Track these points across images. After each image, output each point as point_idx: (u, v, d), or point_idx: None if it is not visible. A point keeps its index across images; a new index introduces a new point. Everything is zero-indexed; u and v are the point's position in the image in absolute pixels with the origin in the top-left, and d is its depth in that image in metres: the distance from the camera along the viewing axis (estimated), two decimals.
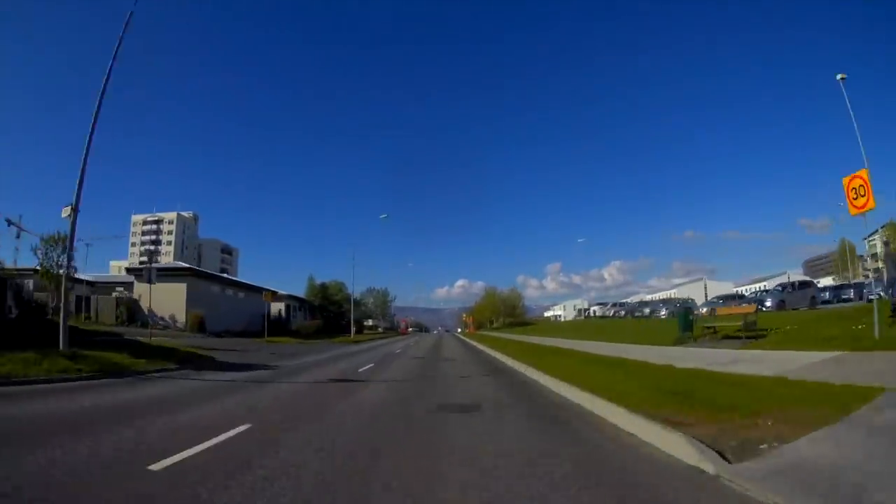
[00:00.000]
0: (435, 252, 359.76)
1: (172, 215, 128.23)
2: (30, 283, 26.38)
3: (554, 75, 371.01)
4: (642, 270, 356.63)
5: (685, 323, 14.47)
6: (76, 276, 33.55)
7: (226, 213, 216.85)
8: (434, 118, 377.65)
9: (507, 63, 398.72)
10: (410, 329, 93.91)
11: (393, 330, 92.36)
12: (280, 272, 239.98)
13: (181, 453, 3.87)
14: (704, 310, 32.38)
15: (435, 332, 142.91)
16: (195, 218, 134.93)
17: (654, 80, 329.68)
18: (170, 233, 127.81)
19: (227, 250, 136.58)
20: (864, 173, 9.05)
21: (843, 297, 30.76)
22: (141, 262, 78.59)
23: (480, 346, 24.21)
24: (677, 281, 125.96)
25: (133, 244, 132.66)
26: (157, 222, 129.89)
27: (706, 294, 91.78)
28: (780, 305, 24.31)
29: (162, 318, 32.25)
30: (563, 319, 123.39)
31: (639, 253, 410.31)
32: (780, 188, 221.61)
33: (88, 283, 39.48)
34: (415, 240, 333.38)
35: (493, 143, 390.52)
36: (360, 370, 12.49)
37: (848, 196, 9.20)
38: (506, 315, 75.05)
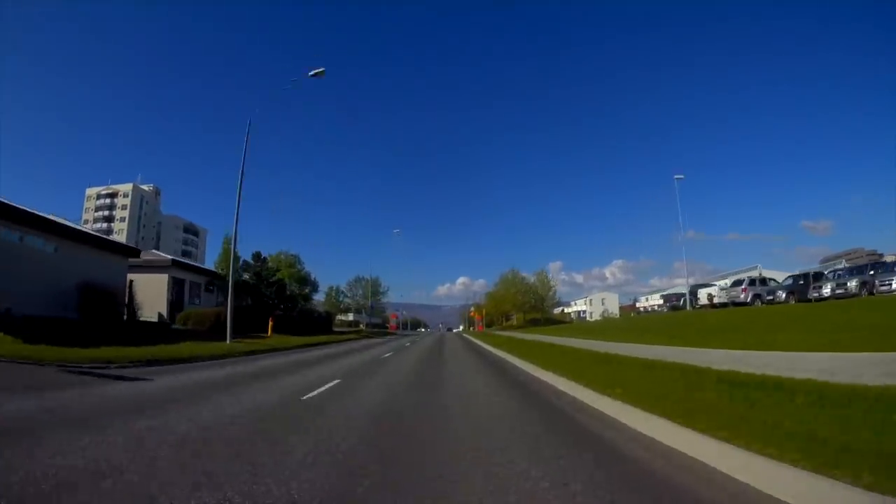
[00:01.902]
0: (436, 249, 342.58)
1: (128, 187, 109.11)
2: None
3: (557, 77, 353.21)
4: (643, 270, 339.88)
5: None
6: None
7: (208, 199, 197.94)
8: (435, 117, 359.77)
9: (510, 62, 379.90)
10: (394, 328, 72.97)
11: (381, 327, 72.96)
12: None
13: None
14: None
15: (436, 329, 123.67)
16: (156, 192, 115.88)
17: (655, 83, 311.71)
18: (124, 207, 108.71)
19: (191, 230, 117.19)
20: None
21: None
22: None
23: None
24: (683, 279, 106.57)
25: (86, 221, 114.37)
26: (112, 196, 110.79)
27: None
28: None
29: None
30: (590, 317, 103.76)
31: (640, 253, 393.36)
32: (782, 190, 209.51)
33: None
34: (415, 237, 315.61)
35: (495, 143, 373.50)
36: None
37: None
38: (529, 309, 55.65)
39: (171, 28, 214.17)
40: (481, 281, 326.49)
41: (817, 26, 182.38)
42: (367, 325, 58.58)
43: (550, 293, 56.62)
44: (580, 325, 40.78)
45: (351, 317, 66.71)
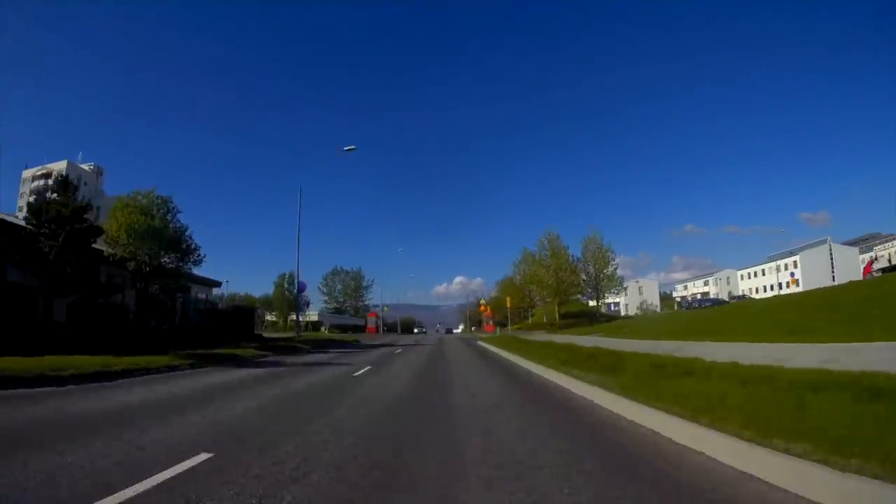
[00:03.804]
0: (433, 249, 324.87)
1: (62, 165, 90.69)
2: None
3: (552, 72, 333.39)
4: (641, 266, 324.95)
5: None
6: None
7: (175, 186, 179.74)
8: (431, 116, 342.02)
9: (506, 59, 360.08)
10: (373, 331, 51.42)
11: (359, 330, 54.15)
12: (243, 264, 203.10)
13: None
14: None
15: (433, 330, 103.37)
16: (98, 171, 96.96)
17: (654, 79, 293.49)
18: None
19: None
20: None
21: None
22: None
23: None
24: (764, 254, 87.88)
25: (20, 208, 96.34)
26: (46, 176, 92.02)
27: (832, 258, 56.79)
28: None
29: None
30: (626, 310, 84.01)
31: (638, 248, 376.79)
32: (780, 182, 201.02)
33: None
34: (412, 236, 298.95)
35: (492, 140, 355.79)
36: None
37: None
38: (572, 295, 36.91)
39: (158, 25, 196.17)
40: (478, 279, 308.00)
41: (812, 19, 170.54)
42: (332, 327, 39.88)
43: (609, 270, 37.71)
44: (670, 317, 21.91)
45: (315, 316, 48.23)
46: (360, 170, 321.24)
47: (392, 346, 23.12)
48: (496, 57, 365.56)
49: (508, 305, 31.72)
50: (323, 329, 40.10)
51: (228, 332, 25.19)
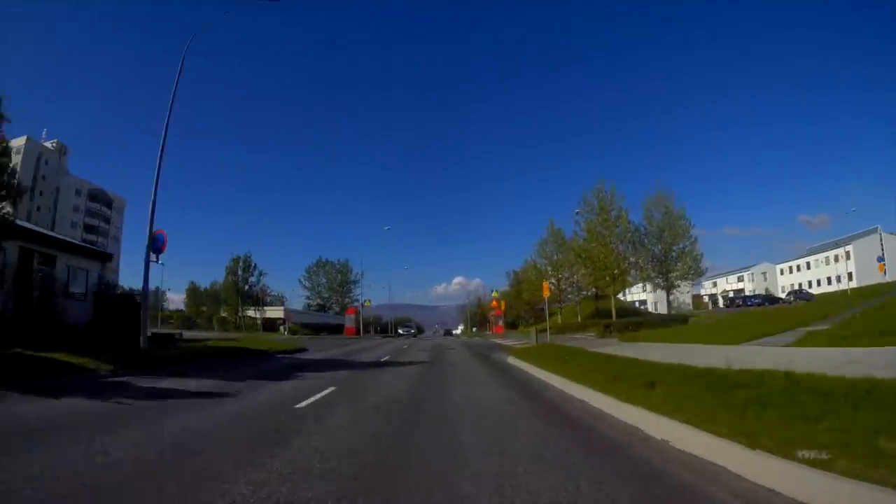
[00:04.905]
0: (432, 251, 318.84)
1: (20, 141, 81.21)
2: None
3: (550, 72, 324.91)
4: (640, 267, 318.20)
5: None
6: None
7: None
8: (430, 115, 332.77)
9: (503, 61, 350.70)
10: (352, 332, 38.49)
11: (336, 330, 43.81)
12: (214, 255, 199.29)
13: None
14: None
15: (433, 331, 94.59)
16: (61, 150, 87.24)
17: (651, 75, 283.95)
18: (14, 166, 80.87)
19: (99, 197, 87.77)
20: None
21: None
22: None
23: None
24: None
25: None
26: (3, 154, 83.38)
27: (883, 247, 50.17)
28: None
29: None
30: (654, 307, 72.51)
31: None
32: (779, 185, 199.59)
33: None
34: (411, 236, 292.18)
35: (490, 140, 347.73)
36: None
37: None
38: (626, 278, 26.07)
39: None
40: (477, 280, 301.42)
41: (812, 26, 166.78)
42: (287, 327, 29.51)
43: (688, 243, 25.23)
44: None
45: (281, 312, 37.99)
46: (362, 177, 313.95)
47: (336, 367, 12.28)
48: (496, 64, 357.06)
49: (546, 294, 20.71)
50: (282, 329, 29.87)
51: (101, 328, 15.27)
